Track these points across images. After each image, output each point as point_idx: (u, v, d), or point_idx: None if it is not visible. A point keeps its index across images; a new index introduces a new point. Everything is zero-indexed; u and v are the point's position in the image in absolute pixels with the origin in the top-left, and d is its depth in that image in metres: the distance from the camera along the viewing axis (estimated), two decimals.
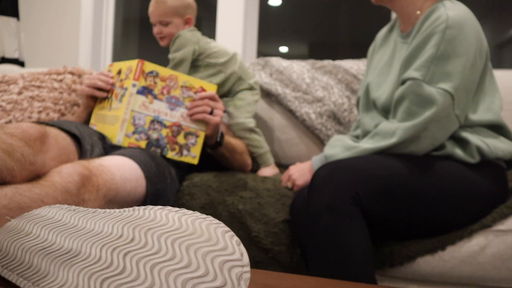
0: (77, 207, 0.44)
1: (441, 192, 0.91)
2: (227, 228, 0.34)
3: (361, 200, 0.86)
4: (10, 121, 1.67)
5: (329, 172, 0.90)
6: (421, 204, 0.91)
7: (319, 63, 1.77)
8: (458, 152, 0.95)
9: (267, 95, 1.72)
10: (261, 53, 2.46)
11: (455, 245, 0.93)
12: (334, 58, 1.85)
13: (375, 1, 1.09)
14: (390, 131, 0.95)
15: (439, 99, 0.91)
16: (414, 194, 0.90)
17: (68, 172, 0.81)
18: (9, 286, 0.41)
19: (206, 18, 3.86)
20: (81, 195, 0.81)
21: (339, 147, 1.03)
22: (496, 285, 0.92)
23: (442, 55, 0.93)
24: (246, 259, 0.32)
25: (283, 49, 5.61)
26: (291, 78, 1.71)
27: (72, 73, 1.91)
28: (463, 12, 0.97)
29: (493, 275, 0.91)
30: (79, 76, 1.91)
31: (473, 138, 0.96)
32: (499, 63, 3.38)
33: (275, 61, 1.81)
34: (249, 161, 1.45)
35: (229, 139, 1.35)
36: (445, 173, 0.93)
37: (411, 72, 0.95)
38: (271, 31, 4.71)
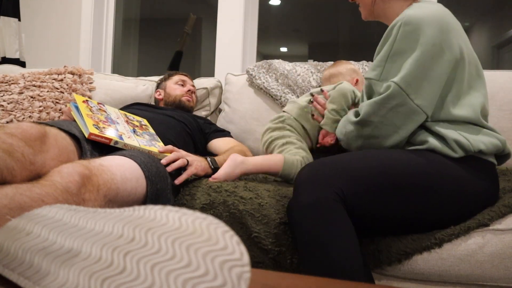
0: (78, 207, 0.44)
1: (425, 188, 0.92)
2: (227, 228, 0.34)
3: (346, 197, 0.87)
4: (11, 121, 1.68)
5: (312, 170, 0.91)
6: (404, 199, 0.91)
7: (323, 65, 1.78)
8: (439, 146, 0.96)
9: (273, 98, 1.75)
10: (261, 53, 2.47)
11: (452, 243, 0.93)
12: (334, 58, 1.85)
13: (364, 18, 1.18)
14: (360, 108, 1.04)
15: (388, 89, 0.96)
16: (397, 190, 0.91)
17: (68, 172, 0.81)
18: (10, 285, 0.41)
19: (206, 18, 3.86)
20: (81, 195, 0.81)
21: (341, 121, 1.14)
22: (495, 284, 0.92)
23: (396, 52, 0.98)
24: (246, 258, 0.32)
25: (283, 49, 5.61)
26: (297, 82, 1.72)
27: (72, 73, 1.91)
28: (427, 10, 0.99)
29: (492, 274, 0.91)
30: (80, 75, 1.92)
31: (449, 132, 0.97)
32: (498, 63, 3.38)
33: (278, 63, 1.82)
34: None
35: (226, 158, 1.33)
36: (430, 169, 0.93)
37: (368, 72, 1.04)
38: (271, 31, 4.70)
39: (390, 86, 0.96)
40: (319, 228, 0.84)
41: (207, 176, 1.24)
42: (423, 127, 1.00)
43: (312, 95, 1.39)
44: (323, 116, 1.32)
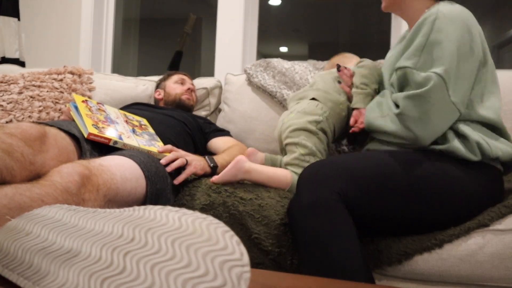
0: (77, 207, 0.44)
1: (425, 188, 0.91)
2: (227, 228, 0.34)
3: (347, 197, 0.87)
4: (10, 121, 1.67)
5: (314, 170, 0.92)
6: (404, 200, 0.91)
7: (321, 63, 1.78)
8: (461, 148, 0.95)
9: (271, 95, 1.74)
10: (261, 53, 2.47)
11: (452, 243, 0.93)
12: None
13: (384, 8, 1.16)
14: (395, 100, 1.01)
15: (431, 80, 0.94)
16: (397, 190, 0.91)
17: (68, 172, 0.81)
18: (10, 285, 0.41)
19: (206, 18, 3.86)
20: (81, 195, 0.81)
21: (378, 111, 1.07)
22: (495, 284, 0.92)
23: (432, 43, 0.96)
24: (246, 258, 0.32)
25: (283, 49, 5.61)
26: (294, 79, 1.72)
27: (72, 73, 1.91)
28: (456, 9, 0.99)
29: (492, 274, 0.91)
30: (79, 75, 1.92)
31: (473, 134, 0.96)
32: (499, 63, 3.38)
33: (276, 62, 1.82)
34: None
35: (225, 157, 1.34)
36: (430, 169, 0.93)
37: (403, 61, 1.00)
38: (271, 31, 4.70)
39: (432, 77, 0.93)
40: (319, 228, 0.84)
41: (206, 175, 1.24)
42: None
43: (339, 65, 1.36)
44: (349, 87, 1.29)
